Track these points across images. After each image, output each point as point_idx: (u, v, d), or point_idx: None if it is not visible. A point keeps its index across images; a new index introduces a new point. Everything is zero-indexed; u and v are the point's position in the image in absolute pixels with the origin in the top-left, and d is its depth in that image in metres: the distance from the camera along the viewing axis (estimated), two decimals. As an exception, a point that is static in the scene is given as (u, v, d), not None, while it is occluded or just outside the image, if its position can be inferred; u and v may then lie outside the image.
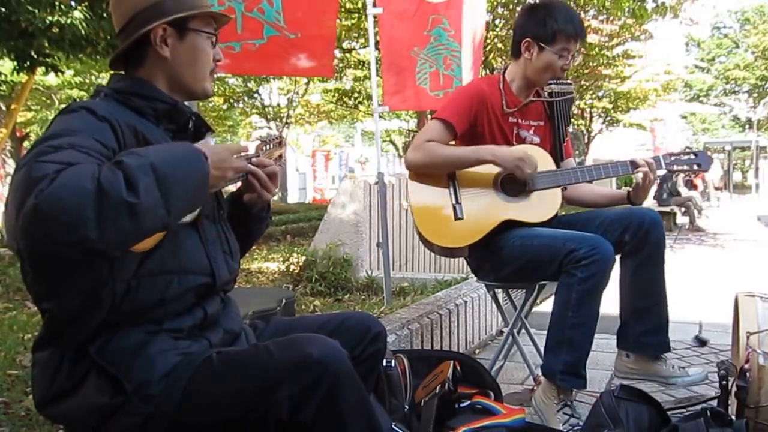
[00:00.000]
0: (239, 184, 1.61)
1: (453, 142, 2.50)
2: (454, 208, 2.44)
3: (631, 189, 2.48)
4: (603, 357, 3.23)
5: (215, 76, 1.57)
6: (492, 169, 2.44)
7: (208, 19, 1.51)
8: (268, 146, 1.65)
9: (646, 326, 2.39)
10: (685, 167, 2.46)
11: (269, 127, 19.13)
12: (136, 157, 1.14)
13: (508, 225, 2.40)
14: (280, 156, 1.71)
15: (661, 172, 2.41)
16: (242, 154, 1.50)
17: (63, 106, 1.37)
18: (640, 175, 2.39)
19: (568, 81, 2.56)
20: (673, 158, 2.46)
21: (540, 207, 2.43)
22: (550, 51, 2.40)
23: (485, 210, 2.42)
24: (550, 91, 2.51)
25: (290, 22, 3.39)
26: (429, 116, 2.72)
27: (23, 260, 1.27)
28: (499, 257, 2.42)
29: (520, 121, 2.53)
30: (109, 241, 1.07)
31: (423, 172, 2.48)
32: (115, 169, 1.10)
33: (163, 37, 1.44)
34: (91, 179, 1.06)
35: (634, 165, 2.40)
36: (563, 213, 2.62)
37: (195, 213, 1.39)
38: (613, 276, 2.33)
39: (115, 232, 1.07)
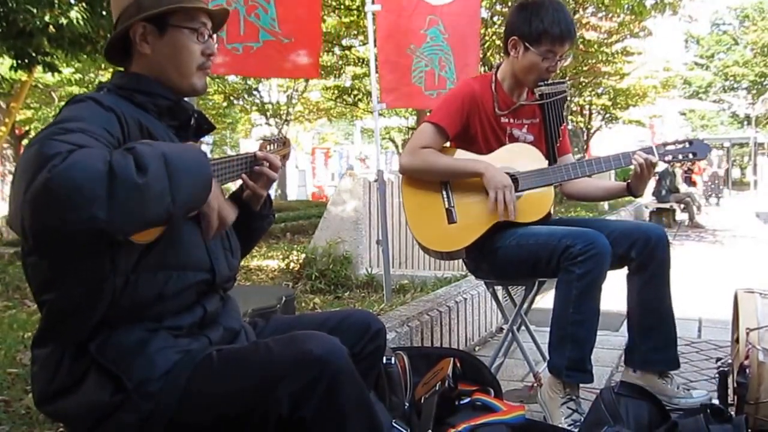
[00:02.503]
0: (239, 183, 1.62)
1: (447, 144, 2.50)
2: (448, 211, 2.44)
3: (630, 180, 2.47)
4: (603, 353, 3.23)
5: (207, 71, 1.54)
6: None
7: (192, 13, 1.48)
8: (272, 146, 1.66)
9: (653, 344, 2.39)
10: (680, 156, 2.41)
11: (269, 124, 19.11)
12: (148, 145, 1.16)
13: (502, 225, 2.40)
14: (285, 156, 1.72)
15: (656, 160, 2.37)
16: (242, 153, 1.52)
17: (63, 103, 1.37)
18: (636, 166, 2.37)
19: (560, 80, 2.53)
20: (666, 148, 2.41)
21: (532, 206, 2.43)
22: (535, 52, 2.37)
23: (479, 212, 2.41)
24: (540, 93, 2.48)
25: (284, 28, 3.49)
26: (428, 114, 2.72)
27: (26, 248, 1.27)
28: (496, 257, 2.42)
29: (512, 120, 2.53)
30: (116, 223, 1.07)
31: (416, 177, 2.49)
32: (126, 153, 1.11)
33: (143, 34, 1.44)
34: (103, 161, 1.07)
35: (626, 157, 2.39)
36: (563, 210, 2.62)
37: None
38: (614, 274, 2.33)
39: (123, 214, 1.07)
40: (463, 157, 2.49)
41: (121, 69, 1.52)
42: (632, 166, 2.38)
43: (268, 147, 1.65)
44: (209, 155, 1.39)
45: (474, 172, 2.39)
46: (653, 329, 2.39)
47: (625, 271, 2.44)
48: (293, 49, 3.58)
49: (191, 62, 1.49)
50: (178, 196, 1.15)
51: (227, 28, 3.28)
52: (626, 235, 2.34)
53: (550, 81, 2.46)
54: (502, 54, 2.60)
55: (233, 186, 1.67)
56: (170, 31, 1.46)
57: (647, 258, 2.33)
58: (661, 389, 2.39)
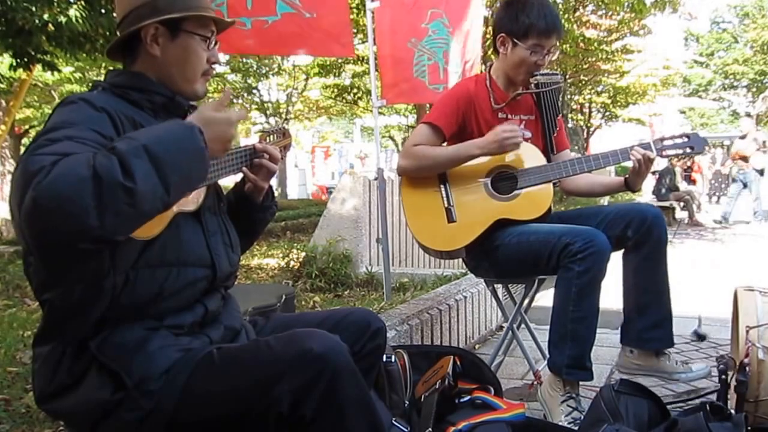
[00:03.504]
0: (239, 176, 1.62)
1: (445, 144, 2.50)
2: (447, 211, 2.44)
3: (627, 176, 2.47)
4: (603, 351, 3.23)
5: (209, 77, 1.57)
6: (482, 169, 2.45)
7: (204, 21, 1.50)
8: (271, 137, 1.67)
9: (648, 321, 2.39)
10: (679, 151, 2.43)
11: (268, 123, 19.11)
12: (128, 140, 1.14)
13: (502, 223, 2.41)
14: (285, 147, 1.72)
15: (654, 155, 2.37)
16: (242, 146, 1.52)
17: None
18: (634, 161, 2.38)
19: (555, 71, 2.55)
20: (664, 143, 2.43)
21: (531, 203, 2.43)
22: (523, 47, 2.39)
23: (478, 210, 2.42)
24: (536, 82, 2.49)
25: (305, 1, 3.28)
26: (429, 110, 2.73)
27: (27, 251, 1.27)
28: (497, 255, 2.43)
29: (510, 116, 2.53)
30: (110, 227, 1.07)
31: (415, 176, 2.49)
32: (109, 154, 1.10)
33: (154, 35, 1.45)
34: (86, 167, 1.07)
35: (624, 153, 2.40)
36: (563, 208, 2.63)
37: (198, 203, 1.40)
38: (613, 272, 2.33)
39: (115, 217, 1.07)
40: None
41: (118, 67, 1.53)
42: (630, 162, 2.39)
43: (267, 139, 1.66)
44: None
45: (469, 155, 2.40)
46: (649, 307, 2.39)
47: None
48: (317, 26, 3.35)
49: (198, 68, 1.51)
50: (169, 184, 1.14)
51: (228, 2, 3.12)
52: (622, 215, 2.35)
53: (544, 72, 2.48)
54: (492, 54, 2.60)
55: (235, 179, 1.68)
56: (182, 36, 1.47)
57: (644, 236, 2.33)
58: (660, 367, 2.39)
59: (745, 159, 11.10)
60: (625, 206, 2.46)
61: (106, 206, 1.06)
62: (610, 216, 2.36)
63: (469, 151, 2.40)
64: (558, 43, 2.50)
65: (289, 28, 3.30)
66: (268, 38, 3.28)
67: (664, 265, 2.39)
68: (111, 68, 1.56)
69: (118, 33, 1.50)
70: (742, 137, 11.10)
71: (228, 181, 1.71)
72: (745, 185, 11.22)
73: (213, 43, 1.53)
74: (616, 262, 2.37)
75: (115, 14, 1.53)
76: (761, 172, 11.08)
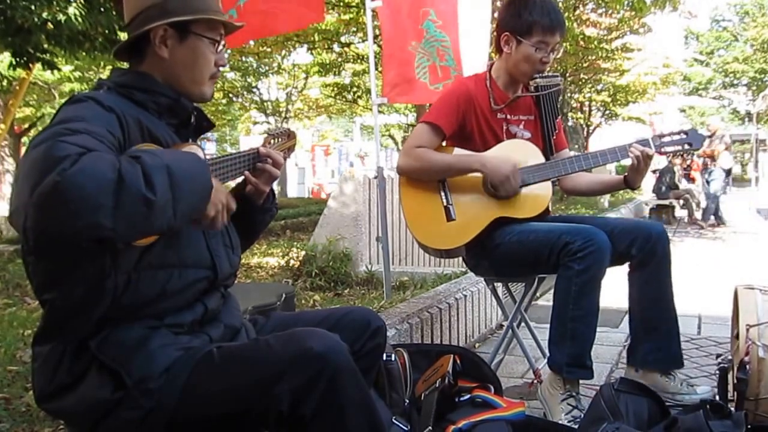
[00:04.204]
0: (240, 179, 1.62)
1: (444, 143, 2.50)
2: (447, 209, 2.44)
3: (627, 174, 2.47)
4: (603, 350, 3.23)
5: (216, 80, 1.57)
6: None
7: (213, 24, 1.51)
8: (276, 140, 1.66)
9: (655, 344, 2.40)
10: (677, 147, 2.43)
11: (268, 122, 19.11)
12: (152, 156, 1.15)
13: (501, 222, 2.41)
14: (290, 148, 1.72)
15: (652, 152, 2.37)
16: (246, 150, 1.53)
17: (63, 100, 1.37)
18: (633, 158, 2.38)
19: (555, 74, 2.55)
20: (662, 139, 2.43)
21: (530, 202, 2.43)
22: (527, 44, 2.39)
23: (477, 209, 2.42)
24: (535, 85, 2.49)
25: None
26: (428, 109, 2.72)
27: (25, 247, 1.27)
28: (497, 254, 2.42)
29: (509, 116, 2.53)
30: (120, 231, 1.07)
31: (414, 177, 2.49)
32: (134, 162, 1.11)
33: (163, 37, 1.45)
34: (112, 168, 1.07)
35: (623, 150, 2.40)
36: (563, 208, 2.63)
37: None
38: (614, 270, 2.33)
39: (128, 223, 1.07)
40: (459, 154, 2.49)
41: (123, 66, 1.53)
42: (629, 159, 2.39)
43: (272, 141, 1.65)
44: (215, 152, 1.40)
45: (470, 168, 2.40)
46: (655, 328, 2.39)
47: (625, 267, 2.44)
48: None
49: (206, 71, 1.51)
50: (179, 209, 1.15)
51: None
52: (627, 232, 2.35)
53: (544, 74, 2.48)
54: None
55: (232, 182, 1.68)
56: (191, 38, 1.48)
57: (648, 255, 2.33)
58: (664, 386, 2.39)
59: (712, 158, 11.10)
60: (630, 223, 2.47)
61: (122, 211, 1.06)
62: (615, 231, 2.34)
63: (472, 164, 2.40)
64: (561, 41, 2.49)
65: (257, 7, 3.22)
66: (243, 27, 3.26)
67: (669, 283, 2.40)
68: (114, 67, 1.56)
69: (123, 34, 1.50)
70: (710, 136, 11.11)
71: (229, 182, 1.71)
72: (708, 183, 11.19)
73: (221, 46, 1.54)
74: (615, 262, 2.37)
75: (114, 12, 1.53)
76: (728, 172, 11.09)
